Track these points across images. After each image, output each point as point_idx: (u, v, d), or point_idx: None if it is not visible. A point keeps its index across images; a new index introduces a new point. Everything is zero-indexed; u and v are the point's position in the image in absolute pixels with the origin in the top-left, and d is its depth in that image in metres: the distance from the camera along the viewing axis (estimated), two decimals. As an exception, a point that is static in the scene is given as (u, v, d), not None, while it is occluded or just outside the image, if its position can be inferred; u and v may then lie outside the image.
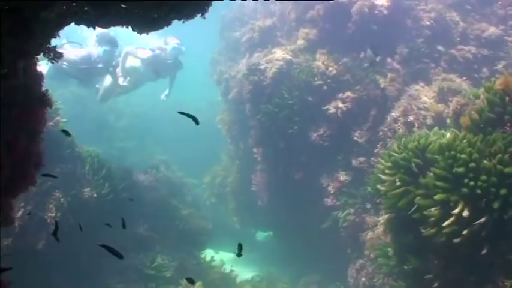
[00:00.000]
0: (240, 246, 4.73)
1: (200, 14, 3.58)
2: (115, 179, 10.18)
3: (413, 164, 6.09)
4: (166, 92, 13.72)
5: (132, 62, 12.89)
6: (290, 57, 10.22)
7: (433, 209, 5.68)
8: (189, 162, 17.50)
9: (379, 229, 8.12)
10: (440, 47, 9.80)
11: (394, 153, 6.38)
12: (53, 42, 3.26)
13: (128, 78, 12.86)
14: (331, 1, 10.19)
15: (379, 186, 6.62)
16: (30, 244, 7.87)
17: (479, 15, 10.59)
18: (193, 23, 3.53)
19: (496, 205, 5.27)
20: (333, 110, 9.33)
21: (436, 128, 6.91)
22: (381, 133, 8.94)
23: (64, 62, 10.84)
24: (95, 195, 9.32)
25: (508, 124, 5.82)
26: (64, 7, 2.77)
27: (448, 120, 7.41)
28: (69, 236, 8.21)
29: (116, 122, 20.97)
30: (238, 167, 12.59)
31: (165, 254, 10.24)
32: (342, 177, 9.33)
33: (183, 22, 3.44)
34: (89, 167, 9.62)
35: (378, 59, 7.93)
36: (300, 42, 10.64)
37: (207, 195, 14.92)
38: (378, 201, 7.93)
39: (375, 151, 8.93)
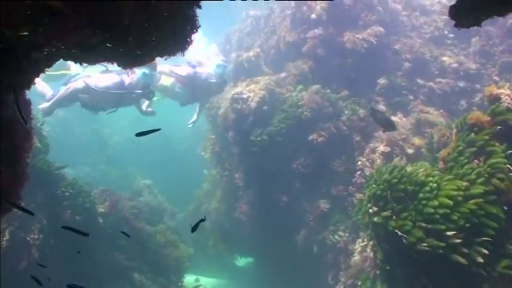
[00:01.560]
0: (201, 221, 4.46)
1: (180, 52, 3.77)
2: (95, 203, 10.22)
3: (388, 193, 6.34)
4: (194, 118, 11.95)
5: (163, 81, 11.36)
6: (273, 87, 10.39)
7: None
8: (173, 188, 17.57)
9: (358, 257, 8.28)
10: (419, 80, 10.05)
11: (372, 185, 6.64)
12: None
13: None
14: (315, 35, 10.53)
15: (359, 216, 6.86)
16: (13, 265, 7.94)
17: (458, 49, 10.89)
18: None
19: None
20: (313, 140, 9.51)
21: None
22: (359, 163, 9.12)
23: (95, 88, 9.64)
24: (77, 217, 9.36)
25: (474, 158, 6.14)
26: (53, 49, 2.94)
27: (424, 151, 7.65)
28: (50, 257, 8.38)
29: (101, 146, 21.10)
30: (221, 194, 12.62)
31: (144, 280, 10.28)
32: (322, 204, 9.48)
33: (165, 59, 3.63)
34: (70, 190, 9.62)
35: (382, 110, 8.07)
36: (284, 74, 10.93)
37: (189, 220, 14.87)
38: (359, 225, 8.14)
39: (353, 180, 9.12)
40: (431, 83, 10.04)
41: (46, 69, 3.50)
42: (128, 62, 3.67)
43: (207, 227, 13.03)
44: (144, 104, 10.99)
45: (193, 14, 3.59)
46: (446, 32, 11.14)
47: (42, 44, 2.91)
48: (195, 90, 11.30)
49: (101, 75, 10.07)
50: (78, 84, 9.80)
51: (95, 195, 10.72)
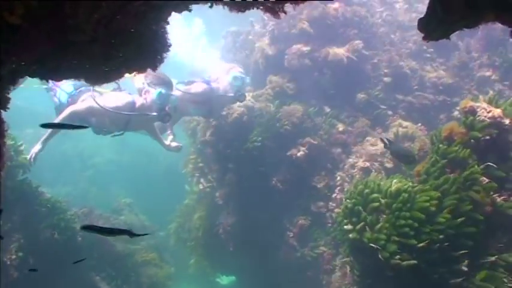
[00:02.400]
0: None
1: (152, 68, 3.72)
2: (74, 221, 10.07)
3: (361, 206, 6.38)
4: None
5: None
6: (252, 104, 10.37)
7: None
8: (155, 206, 17.43)
9: (339, 273, 8.23)
10: (398, 95, 10.07)
11: (347, 199, 6.64)
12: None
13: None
14: (295, 50, 10.54)
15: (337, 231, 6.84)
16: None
17: (437, 64, 10.95)
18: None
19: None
20: (292, 155, 9.46)
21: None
22: (338, 178, 9.08)
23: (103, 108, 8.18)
24: (56, 236, 9.25)
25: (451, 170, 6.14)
26: (13, 66, 2.86)
27: (403, 165, 7.64)
28: (29, 277, 8.28)
29: (82, 165, 20.99)
30: (203, 211, 12.45)
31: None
32: (301, 221, 9.40)
33: (134, 75, 3.58)
34: (48, 207, 9.52)
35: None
36: (263, 90, 10.87)
37: (170, 239, 14.69)
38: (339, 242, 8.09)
39: (333, 196, 9.07)
40: (410, 98, 10.04)
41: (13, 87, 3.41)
42: (94, 78, 3.62)
43: (189, 245, 12.88)
44: (169, 138, 9.83)
45: (162, 30, 3.55)
46: (425, 47, 11.19)
47: (3, 60, 2.83)
48: (212, 108, 10.06)
49: (111, 94, 8.73)
50: (80, 106, 8.38)
51: (74, 213, 10.57)
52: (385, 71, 10.33)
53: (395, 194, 6.20)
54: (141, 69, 3.69)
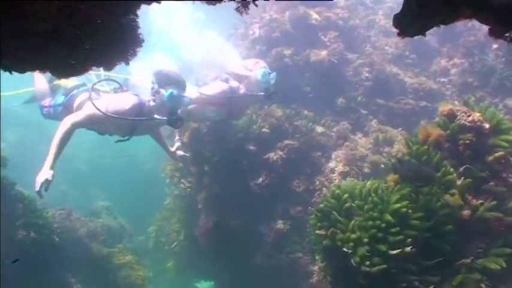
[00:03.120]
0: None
1: (123, 63, 3.61)
2: (50, 222, 9.96)
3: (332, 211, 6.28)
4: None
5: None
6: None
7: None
8: (135, 210, 17.29)
9: (316, 278, 8.13)
10: (379, 100, 10.01)
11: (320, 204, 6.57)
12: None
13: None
14: (276, 53, 10.45)
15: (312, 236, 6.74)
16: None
17: (419, 69, 10.95)
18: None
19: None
20: (269, 159, 9.34)
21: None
22: (317, 182, 8.99)
23: (108, 113, 7.06)
24: (32, 234, 9.21)
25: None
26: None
27: (382, 170, 7.58)
28: (5, 278, 8.15)
29: (62, 166, 20.75)
30: (182, 214, 12.31)
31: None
32: (280, 226, 9.28)
33: (104, 70, 3.48)
34: (24, 210, 9.41)
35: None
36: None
37: (148, 242, 14.52)
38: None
39: (313, 200, 8.97)
40: (391, 103, 10.00)
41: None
42: (60, 71, 3.49)
43: (167, 249, 12.76)
44: (176, 145, 9.02)
45: (132, 23, 3.43)
46: (407, 53, 11.19)
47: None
48: (232, 109, 9.09)
49: (114, 96, 7.61)
50: (79, 116, 7.24)
51: (52, 214, 10.48)
52: (367, 75, 10.28)
53: (367, 195, 6.13)
54: (109, 64, 3.56)
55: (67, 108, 7.94)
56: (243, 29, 12.63)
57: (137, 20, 3.45)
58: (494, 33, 2.87)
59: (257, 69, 8.89)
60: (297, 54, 10.45)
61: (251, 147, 9.59)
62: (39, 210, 9.63)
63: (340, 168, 8.71)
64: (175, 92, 7.20)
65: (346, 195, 6.28)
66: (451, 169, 5.99)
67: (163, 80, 7.34)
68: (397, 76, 10.46)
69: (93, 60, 3.42)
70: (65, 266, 10.14)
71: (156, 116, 7.37)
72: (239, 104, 9.09)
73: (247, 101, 9.20)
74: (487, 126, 6.18)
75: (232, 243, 10.15)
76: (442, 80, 10.69)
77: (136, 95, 7.50)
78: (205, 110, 8.91)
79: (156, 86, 7.32)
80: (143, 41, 3.48)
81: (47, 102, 8.49)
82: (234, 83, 8.96)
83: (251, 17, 12.45)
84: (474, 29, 10.70)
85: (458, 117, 6.28)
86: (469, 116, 6.21)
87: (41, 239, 9.35)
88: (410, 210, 5.82)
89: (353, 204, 6.17)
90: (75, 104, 7.87)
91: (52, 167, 6.88)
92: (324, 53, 10.30)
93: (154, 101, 7.37)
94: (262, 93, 8.70)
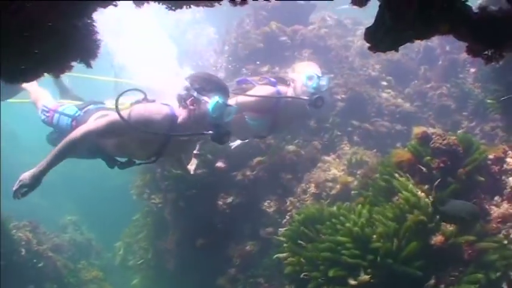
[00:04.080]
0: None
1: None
2: (13, 235, 9.71)
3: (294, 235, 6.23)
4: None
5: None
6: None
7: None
8: (105, 225, 16.97)
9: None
10: (354, 121, 9.86)
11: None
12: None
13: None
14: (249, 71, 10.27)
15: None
16: None
17: (396, 92, 10.88)
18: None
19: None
20: (242, 177, 9.10)
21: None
22: (288, 203, 8.78)
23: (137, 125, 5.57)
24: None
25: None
26: None
27: (352, 193, 7.40)
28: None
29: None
30: (150, 231, 12.04)
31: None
32: (249, 247, 9.04)
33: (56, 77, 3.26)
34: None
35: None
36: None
37: (117, 259, 14.22)
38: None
39: (284, 221, 8.74)
40: (366, 124, 9.87)
41: None
42: (10, 76, 3.25)
43: (134, 266, 12.51)
44: (193, 164, 7.79)
45: (88, 26, 3.22)
46: (384, 75, 11.12)
47: None
48: (277, 119, 7.79)
49: (139, 106, 5.92)
50: (97, 124, 5.84)
51: (16, 227, 10.22)
52: (342, 96, 10.13)
53: (328, 219, 5.96)
54: (63, 69, 3.33)
55: (78, 124, 6.36)
56: (220, 44, 12.57)
57: (94, 24, 3.24)
58: (472, 51, 2.70)
59: (306, 72, 7.55)
60: (272, 72, 10.28)
61: (221, 165, 9.34)
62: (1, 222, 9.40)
63: (312, 189, 8.51)
64: (221, 100, 5.71)
65: (307, 219, 6.12)
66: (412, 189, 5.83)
67: (204, 85, 5.80)
68: (374, 97, 10.34)
69: (45, 66, 3.19)
70: (28, 279, 9.92)
71: (199, 130, 5.84)
72: (286, 111, 7.75)
73: (295, 109, 7.83)
74: (461, 150, 6.07)
75: (199, 263, 9.87)
76: (419, 103, 10.63)
77: (166, 104, 5.98)
78: (245, 119, 7.70)
79: (195, 93, 5.73)
80: (99, 46, 3.26)
81: (52, 105, 7.07)
82: (282, 88, 7.70)
83: (227, 33, 12.41)
84: (452, 53, 10.68)
85: (432, 141, 6.16)
86: (444, 139, 6.10)
87: (3, 250, 9.13)
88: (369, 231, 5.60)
89: (315, 228, 5.99)
90: (92, 119, 6.43)
91: (42, 175, 5.68)
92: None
93: (191, 111, 5.79)
94: (306, 98, 7.37)
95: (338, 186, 8.11)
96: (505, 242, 5.70)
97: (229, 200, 9.19)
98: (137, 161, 6.54)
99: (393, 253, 5.38)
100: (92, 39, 3.27)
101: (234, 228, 9.33)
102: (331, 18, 12.67)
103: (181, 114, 5.90)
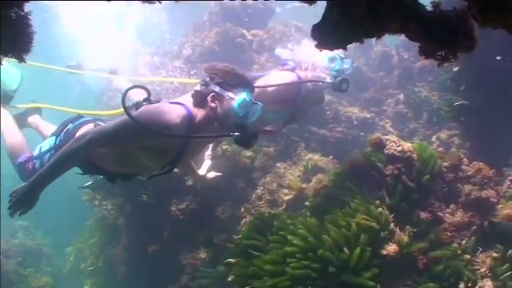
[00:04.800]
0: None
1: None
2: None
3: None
4: None
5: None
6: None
7: None
8: (57, 230, 16.58)
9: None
10: (312, 127, 9.76)
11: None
12: None
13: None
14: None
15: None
16: None
17: (352, 99, 10.86)
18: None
19: None
20: (191, 183, 8.83)
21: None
22: (242, 209, 8.60)
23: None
24: None
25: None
26: None
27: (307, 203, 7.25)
28: None
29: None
30: (100, 238, 11.75)
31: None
32: (202, 254, 8.83)
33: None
34: None
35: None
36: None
37: (68, 266, 13.89)
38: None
39: (238, 228, 8.56)
40: (324, 131, 9.79)
41: None
42: None
43: (84, 271, 12.22)
44: (205, 166, 6.90)
45: (22, 19, 3.00)
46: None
47: None
48: (297, 107, 7.06)
49: (147, 109, 4.89)
50: (104, 128, 4.94)
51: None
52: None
53: (279, 226, 5.80)
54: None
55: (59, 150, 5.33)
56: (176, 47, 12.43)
57: (28, 16, 3.02)
58: (425, 52, 2.57)
59: (327, 53, 6.73)
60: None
61: (176, 170, 9.12)
62: None
63: (266, 196, 8.36)
64: (248, 97, 4.91)
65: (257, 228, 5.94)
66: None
67: (227, 79, 4.95)
68: (331, 104, 10.26)
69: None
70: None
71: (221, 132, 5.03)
72: (306, 99, 7.12)
73: (314, 96, 7.24)
74: (416, 157, 6.01)
75: (151, 271, 9.62)
76: (376, 110, 10.63)
77: (180, 103, 5.01)
78: (265, 111, 5.96)
79: (217, 88, 4.88)
80: (32, 39, 3.04)
81: (24, 157, 6.15)
82: (301, 73, 6.98)
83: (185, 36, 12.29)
84: (409, 60, 10.73)
85: (387, 147, 6.08)
86: (398, 146, 6.03)
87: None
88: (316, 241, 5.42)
89: (265, 237, 5.82)
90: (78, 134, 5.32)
91: (40, 189, 4.98)
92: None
93: (213, 109, 4.92)
94: (330, 81, 6.77)
95: (293, 192, 7.95)
96: (459, 251, 5.65)
97: (183, 206, 8.97)
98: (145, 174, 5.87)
99: (343, 263, 5.22)
100: (24, 32, 3.06)
101: (187, 235, 9.10)
102: (290, 24, 12.64)
103: (199, 113, 5.01)
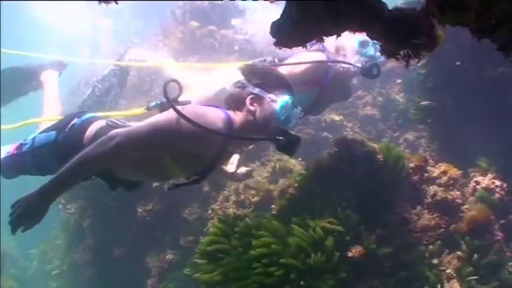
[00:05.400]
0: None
1: None
2: None
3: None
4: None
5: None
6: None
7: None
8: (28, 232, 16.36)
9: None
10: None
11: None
12: None
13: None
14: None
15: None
16: None
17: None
18: None
19: None
20: (158, 184, 8.75)
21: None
22: (210, 211, 8.52)
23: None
24: None
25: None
26: None
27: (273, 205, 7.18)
28: None
29: None
30: (65, 240, 11.60)
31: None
32: (169, 256, 8.73)
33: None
34: None
35: None
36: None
37: (33, 268, 13.71)
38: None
39: (205, 230, 8.46)
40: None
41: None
42: None
43: (50, 274, 12.05)
44: (234, 160, 6.37)
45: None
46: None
47: None
48: (323, 92, 6.42)
49: (190, 109, 4.20)
50: (142, 129, 4.17)
51: None
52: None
53: (243, 229, 5.65)
54: None
55: (69, 150, 4.41)
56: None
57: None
58: (386, 52, 2.53)
59: (355, 38, 6.24)
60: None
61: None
62: None
63: (234, 197, 8.28)
64: (290, 100, 4.56)
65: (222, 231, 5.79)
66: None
67: (267, 80, 4.55)
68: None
69: None
70: None
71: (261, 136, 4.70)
72: (334, 84, 6.43)
73: (341, 83, 6.64)
74: (381, 158, 6.00)
75: (116, 274, 9.52)
76: (344, 111, 10.62)
77: (217, 106, 4.55)
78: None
79: (256, 90, 4.46)
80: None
81: (12, 148, 5.29)
82: (331, 54, 6.38)
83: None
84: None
85: (353, 148, 6.07)
86: (364, 146, 6.02)
87: None
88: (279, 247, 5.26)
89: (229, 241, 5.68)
90: (88, 136, 4.71)
91: (53, 199, 4.17)
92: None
93: (250, 113, 4.43)
94: (359, 65, 6.20)
95: (260, 193, 7.88)
96: (426, 254, 5.64)
97: (149, 207, 8.87)
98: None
99: (308, 267, 5.13)
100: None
101: (153, 237, 9.02)
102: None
103: (237, 117, 4.49)
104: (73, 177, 4.08)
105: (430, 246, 5.69)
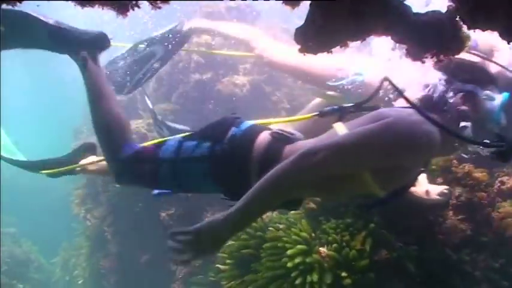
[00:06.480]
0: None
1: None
2: None
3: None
4: None
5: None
6: (145, 131, 9.59)
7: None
8: (46, 237, 16.47)
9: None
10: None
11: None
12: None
13: None
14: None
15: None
16: None
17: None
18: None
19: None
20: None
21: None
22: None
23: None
24: None
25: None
26: None
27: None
28: None
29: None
30: (89, 248, 11.63)
31: None
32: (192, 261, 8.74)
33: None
34: None
35: None
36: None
37: (55, 275, 13.78)
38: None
39: (228, 234, 8.47)
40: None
41: None
42: None
43: (73, 285, 12.12)
44: (422, 177, 4.80)
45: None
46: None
47: None
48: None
49: (402, 113, 3.24)
50: (347, 145, 3.14)
51: None
52: (288, 106, 9.97)
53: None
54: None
55: (229, 169, 3.80)
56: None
57: None
58: (412, 54, 2.50)
59: None
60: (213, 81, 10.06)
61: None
62: None
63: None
64: (508, 98, 3.61)
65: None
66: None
67: (478, 75, 3.66)
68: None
69: None
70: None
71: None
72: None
73: None
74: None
75: (141, 279, 9.55)
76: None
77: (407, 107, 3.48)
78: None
79: (469, 87, 3.57)
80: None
81: (136, 145, 4.42)
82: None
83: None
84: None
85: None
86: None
87: None
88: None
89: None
90: (258, 152, 3.74)
91: (237, 229, 3.56)
92: (238, 80, 9.91)
93: (462, 112, 3.55)
94: None
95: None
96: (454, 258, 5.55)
97: (172, 211, 8.89)
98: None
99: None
100: None
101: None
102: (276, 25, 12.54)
103: (442, 121, 3.37)
104: (264, 204, 3.25)
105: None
